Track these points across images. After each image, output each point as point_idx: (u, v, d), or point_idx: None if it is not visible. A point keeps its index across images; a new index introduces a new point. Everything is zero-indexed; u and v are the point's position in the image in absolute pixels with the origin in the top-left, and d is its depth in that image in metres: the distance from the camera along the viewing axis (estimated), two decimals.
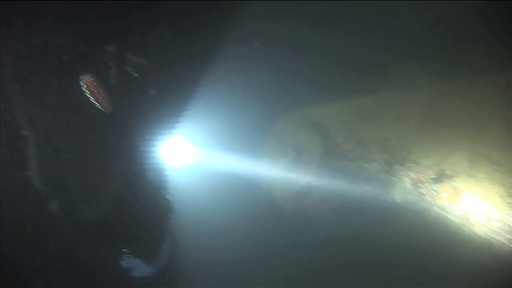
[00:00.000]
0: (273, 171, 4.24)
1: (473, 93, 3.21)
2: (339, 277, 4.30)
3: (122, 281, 2.79)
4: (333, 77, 3.82)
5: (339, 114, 4.01)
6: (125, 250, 2.45)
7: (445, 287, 3.53)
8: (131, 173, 2.42)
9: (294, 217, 4.33)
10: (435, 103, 3.38)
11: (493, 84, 3.17)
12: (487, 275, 3.13)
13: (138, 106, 2.49)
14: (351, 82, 3.79)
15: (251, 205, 4.70)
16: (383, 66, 3.61)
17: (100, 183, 1.98)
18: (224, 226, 4.63)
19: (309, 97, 4.18)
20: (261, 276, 4.69)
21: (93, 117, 1.81)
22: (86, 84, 1.79)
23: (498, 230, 2.70)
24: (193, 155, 4.96)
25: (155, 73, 2.66)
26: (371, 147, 3.61)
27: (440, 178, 2.99)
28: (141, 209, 2.39)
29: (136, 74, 2.40)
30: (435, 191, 3.01)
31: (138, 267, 2.64)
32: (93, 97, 1.81)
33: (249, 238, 4.69)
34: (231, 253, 4.64)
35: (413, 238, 3.53)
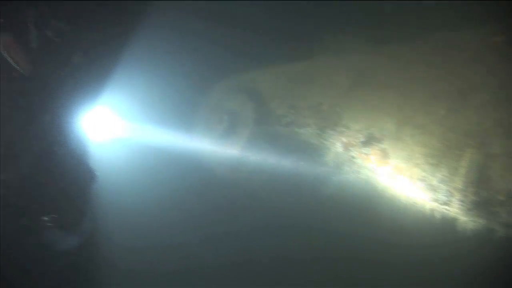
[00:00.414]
0: (206, 141, 4.18)
1: (400, 59, 3.34)
2: (274, 240, 4.43)
3: (44, 252, 2.72)
4: (266, 43, 3.79)
5: (273, 80, 4.01)
6: (45, 218, 2.42)
7: (373, 244, 3.76)
8: (52, 139, 2.33)
9: (228, 187, 4.35)
10: (365, 68, 3.48)
11: (419, 50, 3.31)
12: (413, 231, 3.37)
13: (59, 71, 2.37)
14: (283, 48, 3.79)
15: (182, 178, 4.64)
16: (316, 33, 3.64)
17: (18, 145, 1.92)
18: (152, 201, 4.56)
19: (242, 63, 4.13)
20: (189, 243, 4.71)
21: (10, 77, 1.75)
22: (4, 44, 1.74)
23: (421, 189, 2.89)
24: (120, 128, 4.74)
25: (78, 39, 2.52)
26: (304, 112, 3.66)
27: (369, 141, 3.10)
28: (61, 177, 2.33)
29: (58, 39, 2.30)
30: (365, 153, 3.13)
31: (60, 239, 2.60)
32: (11, 57, 1.77)
33: (180, 212, 4.66)
34: (160, 228, 4.59)
35: (344, 199, 3.69)
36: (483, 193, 2.58)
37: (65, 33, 2.32)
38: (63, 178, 2.60)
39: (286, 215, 4.11)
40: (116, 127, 4.69)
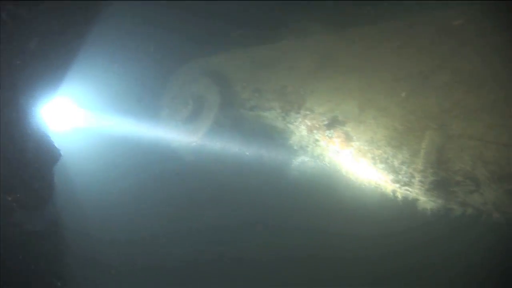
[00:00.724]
0: (171, 128, 4.11)
1: (362, 42, 3.36)
2: (243, 227, 4.44)
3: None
4: (230, 26, 3.75)
5: (237, 64, 3.97)
6: (8, 197, 2.32)
7: (337, 225, 3.83)
8: (12, 129, 2.26)
9: (194, 174, 4.31)
10: (328, 52, 3.48)
11: (381, 33, 3.34)
12: (375, 213, 3.43)
13: (14, 57, 2.27)
14: (248, 31, 3.75)
15: (147, 167, 4.57)
16: (279, 16, 3.62)
17: None
18: (116, 192, 4.49)
19: (205, 48, 4.08)
20: (155, 235, 4.68)
21: None
22: None
23: (384, 171, 2.93)
24: (81, 118, 4.60)
25: (35, 25, 2.41)
26: (268, 96, 3.64)
27: (332, 124, 3.12)
28: (22, 166, 2.26)
29: (13, 24, 2.19)
30: (329, 136, 3.14)
31: (23, 219, 2.57)
32: None
33: (144, 203, 4.60)
34: (124, 219, 4.53)
35: (308, 182, 3.72)
36: (442, 174, 2.63)
37: (21, 18, 2.21)
38: (24, 168, 2.54)
39: (253, 201, 4.12)
40: (77, 117, 4.58)
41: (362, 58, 3.24)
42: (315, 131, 3.19)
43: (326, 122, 3.14)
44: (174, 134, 4.04)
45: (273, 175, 3.69)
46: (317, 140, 3.31)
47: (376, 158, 2.92)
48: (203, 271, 4.63)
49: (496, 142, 2.49)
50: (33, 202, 2.66)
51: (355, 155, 3.06)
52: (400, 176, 2.86)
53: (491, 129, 2.55)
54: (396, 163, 2.83)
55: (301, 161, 3.59)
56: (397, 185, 2.94)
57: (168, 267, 4.62)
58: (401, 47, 3.11)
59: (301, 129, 3.27)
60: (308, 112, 3.29)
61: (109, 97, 4.45)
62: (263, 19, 3.64)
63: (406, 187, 2.90)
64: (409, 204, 2.98)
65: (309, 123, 3.21)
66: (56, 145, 2.89)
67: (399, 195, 3.02)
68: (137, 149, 4.30)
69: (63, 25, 2.92)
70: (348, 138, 3.04)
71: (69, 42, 3.27)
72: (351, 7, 3.46)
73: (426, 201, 2.86)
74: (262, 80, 3.73)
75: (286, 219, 4.04)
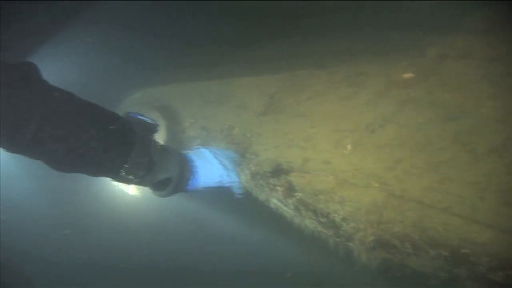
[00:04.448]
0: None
1: (312, 87, 3.29)
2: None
3: None
4: (181, 59, 3.60)
5: (187, 97, 3.84)
6: None
7: None
8: None
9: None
10: (277, 93, 3.40)
11: (331, 78, 3.28)
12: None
13: None
14: (199, 66, 3.63)
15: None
16: (231, 52, 3.50)
17: None
18: None
19: (155, 78, 3.93)
20: None
21: None
22: None
23: (324, 225, 2.84)
24: None
25: None
26: (215, 135, 3.52)
27: (277, 172, 3.01)
28: None
29: None
30: (272, 184, 3.03)
31: None
32: None
33: None
34: None
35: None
36: (382, 234, 2.56)
37: None
38: None
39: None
40: None
41: (310, 105, 3.17)
42: (258, 177, 3.07)
43: (269, 169, 3.02)
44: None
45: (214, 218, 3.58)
46: (262, 186, 3.21)
47: (318, 211, 2.83)
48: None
49: (435, 206, 2.45)
50: None
51: (298, 206, 2.96)
52: (341, 232, 2.78)
53: (432, 192, 2.51)
54: (337, 218, 2.75)
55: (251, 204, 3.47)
56: (339, 240, 2.87)
57: None
58: (350, 97, 3.05)
59: (246, 173, 3.15)
60: (253, 157, 3.18)
61: None
62: (215, 51, 3.50)
63: (348, 243, 2.83)
64: (352, 258, 2.90)
65: (253, 168, 3.09)
66: None
67: (341, 249, 2.95)
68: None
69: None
70: (291, 188, 2.94)
71: None
72: (304, 45, 3.37)
73: (367, 258, 2.79)
74: (210, 117, 3.61)
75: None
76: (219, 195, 3.10)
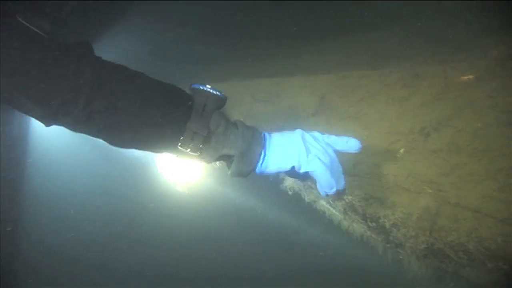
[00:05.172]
0: None
1: (365, 87, 3.21)
2: None
3: None
4: (232, 59, 3.62)
5: (237, 95, 3.85)
6: None
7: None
8: None
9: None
10: (328, 93, 3.34)
11: (385, 79, 3.18)
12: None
13: None
14: (249, 64, 3.63)
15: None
16: (282, 50, 3.48)
17: None
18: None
19: (207, 76, 3.97)
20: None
21: None
22: None
23: (374, 230, 2.78)
24: None
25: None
26: None
27: None
28: None
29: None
30: None
31: None
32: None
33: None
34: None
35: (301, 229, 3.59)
36: (434, 243, 2.47)
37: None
38: None
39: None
40: None
41: (362, 106, 3.09)
42: None
43: None
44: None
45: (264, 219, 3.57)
46: (310, 187, 3.18)
47: (367, 215, 2.77)
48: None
49: (493, 216, 2.33)
50: None
51: (347, 209, 2.92)
52: (390, 238, 2.71)
53: (490, 200, 2.39)
54: (387, 224, 2.68)
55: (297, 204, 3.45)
56: (388, 245, 2.80)
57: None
58: (404, 99, 2.95)
59: None
60: None
61: None
62: (264, 50, 3.48)
63: (398, 249, 2.75)
64: (399, 266, 2.82)
65: None
66: None
67: (389, 255, 2.88)
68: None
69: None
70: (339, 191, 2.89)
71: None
72: (357, 46, 3.29)
73: (416, 267, 2.70)
74: (262, 116, 3.61)
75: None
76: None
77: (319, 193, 1.79)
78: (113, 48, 3.53)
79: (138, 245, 4.58)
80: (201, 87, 1.86)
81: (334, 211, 3.07)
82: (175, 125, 1.73)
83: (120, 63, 1.81)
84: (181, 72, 3.82)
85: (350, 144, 1.97)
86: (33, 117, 1.65)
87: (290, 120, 3.41)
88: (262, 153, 1.79)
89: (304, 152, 1.79)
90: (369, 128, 2.98)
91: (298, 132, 1.89)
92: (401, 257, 2.75)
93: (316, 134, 1.92)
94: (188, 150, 1.73)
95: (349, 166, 2.91)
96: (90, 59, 1.68)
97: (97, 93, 1.62)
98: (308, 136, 1.88)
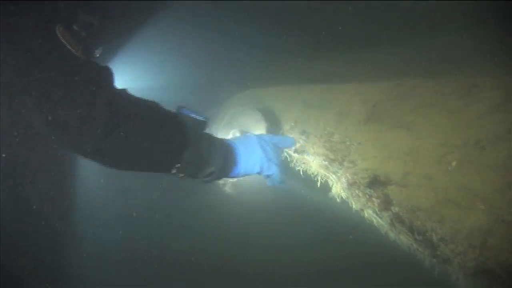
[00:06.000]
0: None
1: (419, 97, 3.12)
2: None
3: None
4: (284, 62, 3.65)
5: (289, 100, 3.88)
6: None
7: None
8: None
9: None
10: (380, 101, 3.28)
11: (440, 89, 3.08)
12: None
13: None
14: (301, 69, 3.64)
15: None
16: (337, 56, 3.46)
17: None
18: None
19: (259, 79, 4.02)
20: None
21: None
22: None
23: (421, 243, 2.70)
24: None
25: (105, 33, 2.45)
26: (315, 140, 3.51)
27: (374, 183, 2.93)
28: None
29: (86, 34, 2.24)
30: (368, 195, 2.96)
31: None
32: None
33: None
34: None
35: (345, 237, 3.55)
36: (484, 261, 2.37)
37: (94, 27, 2.25)
38: None
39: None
40: None
41: (415, 115, 3.01)
42: (354, 187, 3.01)
43: (367, 180, 2.95)
44: None
45: (308, 226, 3.56)
46: (358, 195, 3.14)
47: (414, 228, 2.69)
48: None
49: None
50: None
51: (393, 220, 2.85)
52: (438, 252, 2.62)
53: None
54: (435, 238, 2.60)
55: (339, 214, 3.43)
56: (435, 260, 2.71)
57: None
58: (460, 110, 2.85)
59: (342, 181, 3.11)
60: (350, 165, 3.12)
61: None
62: (320, 55, 3.48)
63: (446, 265, 2.66)
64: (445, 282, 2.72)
65: (349, 177, 3.04)
66: None
67: (436, 271, 2.78)
68: None
69: (128, 29, 2.98)
70: (387, 201, 2.84)
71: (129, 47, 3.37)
72: (413, 54, 3.20)
73: (466, 284, 2.59)
74: (310, 122, 3.61)
75: None
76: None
77: (268, 184, 2.42)
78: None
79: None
80: (190, 114, 2.15)
81: (381, 221, 3.01)
82: (172, 157, 1.99)
83: (135, 96, 1.96)
84: (234, 75, 3.91)
85: (288, 142, 2.74)
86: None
87: (340, 127, 3.39)
88: (234, 167, 2.19)
89: (265, 158, 2.27)
90: (421, 138, 2.90)
91: (254, 138, 2.35)
92: (448, 273, 2.65)
93: (265, 137, 2.43)
94: (182, 175, 2.04)
95: (398, 177, 2.86)
96: (107, 93, 1.80)
97: (111, 132, 1.75)
98: (261, 140, 2.36)
